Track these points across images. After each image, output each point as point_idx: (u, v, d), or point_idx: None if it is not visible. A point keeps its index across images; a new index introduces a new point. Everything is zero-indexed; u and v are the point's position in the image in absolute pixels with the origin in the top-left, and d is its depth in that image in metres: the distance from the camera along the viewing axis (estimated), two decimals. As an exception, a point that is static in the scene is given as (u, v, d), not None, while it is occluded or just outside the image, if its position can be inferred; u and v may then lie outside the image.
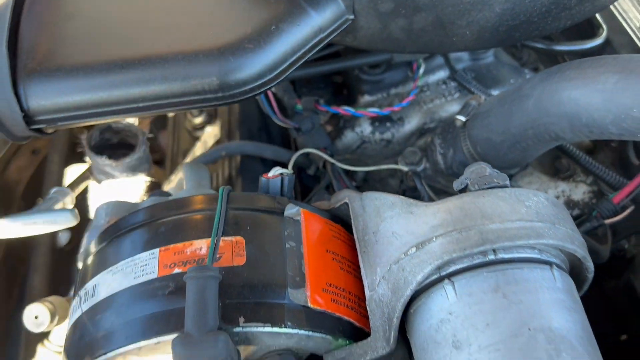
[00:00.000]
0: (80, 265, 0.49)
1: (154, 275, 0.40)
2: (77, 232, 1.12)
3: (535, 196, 0.39)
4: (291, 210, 0.45)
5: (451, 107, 0.73)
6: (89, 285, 0.43)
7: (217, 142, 0.74)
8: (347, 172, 0.70)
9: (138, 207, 0.50)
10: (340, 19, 0.52)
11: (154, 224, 0.43)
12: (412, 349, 0.40)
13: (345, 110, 0.70)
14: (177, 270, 0.40)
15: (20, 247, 1.07)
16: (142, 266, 0.41)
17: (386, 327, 0.39)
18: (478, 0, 0.50)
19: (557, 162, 0.70)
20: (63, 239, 1.09)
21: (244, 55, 0.48)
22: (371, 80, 0.75)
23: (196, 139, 0.76)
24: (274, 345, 0.40)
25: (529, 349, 0.33)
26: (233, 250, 0.41)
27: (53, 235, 1.02)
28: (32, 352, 0.76)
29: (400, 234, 0.40)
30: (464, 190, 0.41)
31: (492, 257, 0.36)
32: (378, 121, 0.72)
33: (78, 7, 0.51)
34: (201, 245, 0.41)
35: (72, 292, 0.69)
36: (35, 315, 0.53)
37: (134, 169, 0.60)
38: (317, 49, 0.52)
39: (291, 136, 0.74)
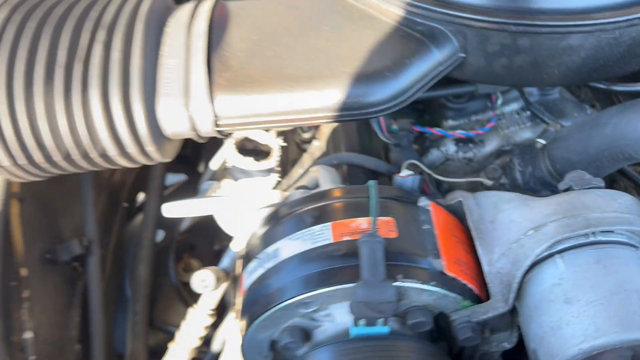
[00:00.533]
0: (244, 239, 0.62)
1: (329, 241, 0.53)
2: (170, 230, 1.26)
3: (624, 196, 0.51)
4: (423, 202, 0.58)
5: (524, 134, 0.86)
6: (270, 249, 0.56)
7: (323, 154, 0.88)
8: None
9: (292, 197, 0.63)
10: (455, 57, 0.66)
11: (322, 206, 0.57)
12: (523, 310, 0.52)
13: (437, 131, 0.83)
14: (347, 238, 0.53)
15: (126, 240, 1.22)
16: (318, 235, 0.54)
17: (505, 292, 0.51)
18: (568, 47, 0.63)
19: (615, 184, 0.82)
20: (159, 236, 1.24)
21: (383, 82, 0.62)
22: (455, 107, 0.88)
23: (304, 150, 0.90)
24: (417, 301, 0.52)
25: (625, 304, 0.45)
26: (387, 227, 0.54)
27: (154, 231, 1.15)
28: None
29: (519, 220, 0.52)
30: (568, 190, 0.53)
31: (593, 238, 0.49)
32: (462, 142, 0.85)
33: (257, 30, 0.65)
34: (362, 222, 0.54)
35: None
36: (202, 279, 0.66)
37: (270, 171, 0.74)
38: (435, 80, 0.66)
39: (386, 151, 0.88)
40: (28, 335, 0.84)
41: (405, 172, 0.61)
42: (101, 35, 0.61)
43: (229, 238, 1.07)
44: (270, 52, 0.63)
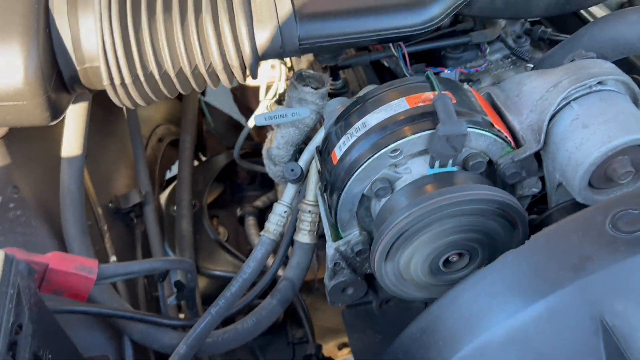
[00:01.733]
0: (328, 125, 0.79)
1: (407, 107, 0.71)
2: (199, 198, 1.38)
3: (609, 62, 0.73)
4: (465, 86, 0.77)
5: (509, 73, 1.09)
6: (359, 123, 0.73)
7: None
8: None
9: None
10: (468, -5, 0.87)
11: (392, 89, 0.75)
12: (550, 148, 0.71)
13: (447, 70, 1.04)
14: (420, 104, 0.71)
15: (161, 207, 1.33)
16: (396, 106, 0.72)
17: (536, 135, 0.71)
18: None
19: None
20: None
21: (423, 8, 0.82)
22: (454, 57, 1.10)
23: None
24: (475, 147, 0.71)
25: (627, 119, 0.65)
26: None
27: (190, 193, 1.28)
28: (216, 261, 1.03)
29: (540, 84, 0.72)
30: (572, 62, 0.74)
31: (597, 87, 0.69)
32: (464, 80, 1.06)
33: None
34: (429, 95, 0.72)
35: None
36: (291, 169, 0.82)
37: (322, 98, 0.91)
38: (454, 11, 0.87)
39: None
40: (113, 259, 0.95)
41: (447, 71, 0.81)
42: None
43: (250, 203, 1.24)
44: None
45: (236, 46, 0.76)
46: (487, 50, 1.10)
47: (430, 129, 0.68)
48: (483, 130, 0.70)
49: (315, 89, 0.90)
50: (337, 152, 0.75)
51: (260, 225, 1.32)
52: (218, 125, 1.65)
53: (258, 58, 0.79)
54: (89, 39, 0.76)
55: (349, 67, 1.08)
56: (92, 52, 0.76)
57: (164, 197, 1.40)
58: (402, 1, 0.81)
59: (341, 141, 0.75)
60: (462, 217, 0.67)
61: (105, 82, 0.76)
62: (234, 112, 1.76)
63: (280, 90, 1.18)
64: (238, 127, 1.71)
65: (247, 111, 1.63)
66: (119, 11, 0.74)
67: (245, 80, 0.84)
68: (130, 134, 1.19)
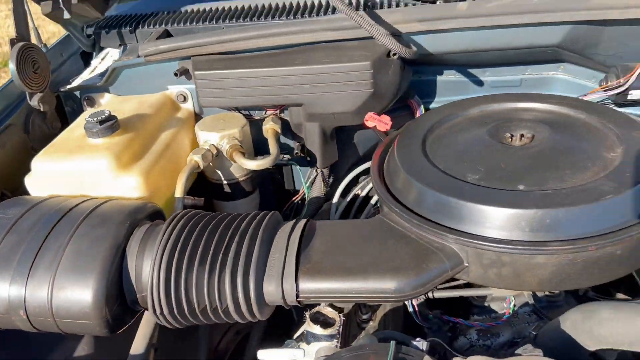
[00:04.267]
0: None
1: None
2: None
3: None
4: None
5: (532, 330, 1.11)
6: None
7: (375, 331, 1.17)
8: None
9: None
10: (460, 266, 0.97)
11: None
12: None
13: (461, 321, 1.10)
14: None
15: None
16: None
17: None
18: (541, 264, 0.92)
19: None
20: None
21: (409, 278, 0.94)
22: (479, 306, 1.16)
23: (362, 328, 1.20)
24: None
25: None
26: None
27: None
28: None
29: None
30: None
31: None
32: (482, 332, 1.11)
33: (331, 239, 1.02)
34: (382, 367, 0.82)
35: None
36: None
37: (332, 337, 1.04)
38: (444, 279, 0.97)
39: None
40: None
41: (418, 339, 0.89)
42: (235, 237, 1.01)
43: None
44: (338, 252, 0.99)
45: (245, 296, 0.96)
46: (512, 303, 1.14)
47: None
48: None
49: (325, 328, 1.04)
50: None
51: None
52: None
53: (264, 304, 0.97)
54: (146, 275, 1.02)
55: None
56: (146, 285, 1.01)
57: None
58: (392, 269, 0.95)
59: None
60: None
61: (149, 310, 1.00)
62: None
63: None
64: None
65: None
66: (168, 260, 1.00)
67: (264, 317, 1.02)
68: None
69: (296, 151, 1.53)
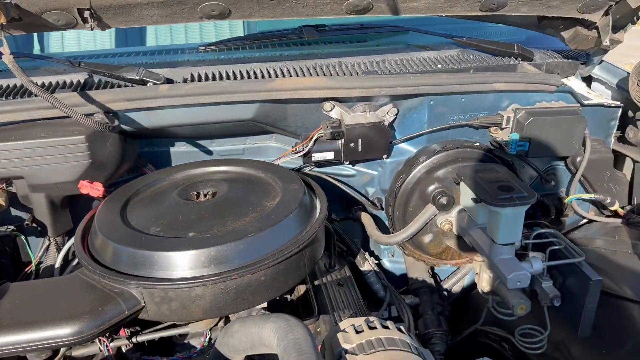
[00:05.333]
0: None
1: None
2: None
3: None
4: None
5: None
6: None
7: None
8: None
9: None
10: (138, 306, 1.12)
11: None
12: None
13: (157, 358, 1.24)
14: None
15: None
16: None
17: None
18: (201, 295, 1.12)
19: None
20: None
21: (83, 321, 1.06)
22: (180, 343, 1.31)
23: None
24: None
25: None
26: None
27: None
28: None
29: None
30: None
31: None
32: (178, 366, 1.26)
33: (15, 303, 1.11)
34: None
35: None
36: None
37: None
38: (123, 321, 1.11)
39: None
40: None
41: None
42: None
43: None
44: (23, 309, 1.08)
45: None
46: (208, 337, 1.32)
47: None
48: None
49: None
50: None
51: None
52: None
53: None
54: None
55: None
56: None
57: None
58: (64, 318, 1.06)
59: None
60: None
61: None
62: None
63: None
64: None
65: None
66: None
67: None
68: None
69: (26, 222, 1.59)
